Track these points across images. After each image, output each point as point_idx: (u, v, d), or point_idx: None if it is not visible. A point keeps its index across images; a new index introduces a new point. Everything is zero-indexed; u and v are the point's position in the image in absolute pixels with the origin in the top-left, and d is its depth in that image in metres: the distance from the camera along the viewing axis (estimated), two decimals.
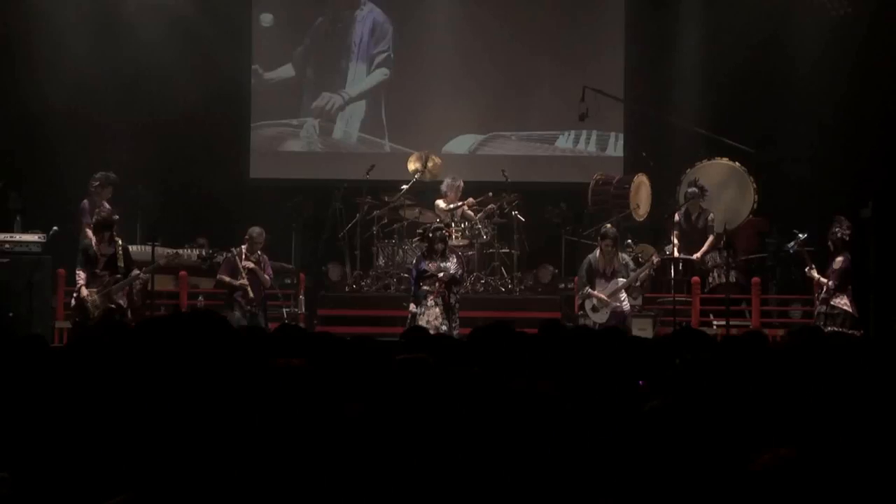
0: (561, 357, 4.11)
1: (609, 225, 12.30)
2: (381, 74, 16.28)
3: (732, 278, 12.94)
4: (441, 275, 11.66)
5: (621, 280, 11.68)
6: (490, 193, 14.28)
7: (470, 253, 13.76)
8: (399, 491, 1.75)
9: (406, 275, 13.42)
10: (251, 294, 11.85)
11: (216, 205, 15.07)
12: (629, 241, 12.94)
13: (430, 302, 11.72)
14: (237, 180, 15.84)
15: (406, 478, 1.78)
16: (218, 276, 12.16)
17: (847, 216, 12.14)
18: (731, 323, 11.87)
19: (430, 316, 11.64)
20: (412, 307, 11.71)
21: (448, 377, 3.20)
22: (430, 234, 11.96)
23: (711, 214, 13.27)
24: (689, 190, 13.32)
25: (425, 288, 11.74)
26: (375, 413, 1.84)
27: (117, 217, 11.50)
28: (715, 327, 12.57)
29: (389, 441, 1.80)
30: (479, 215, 13.98)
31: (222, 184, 15.38)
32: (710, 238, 13.06)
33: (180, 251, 12.74)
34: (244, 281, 11.83)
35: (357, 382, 3.52)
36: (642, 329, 11.81)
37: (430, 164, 14.65)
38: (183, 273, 13.04)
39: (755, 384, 3.60)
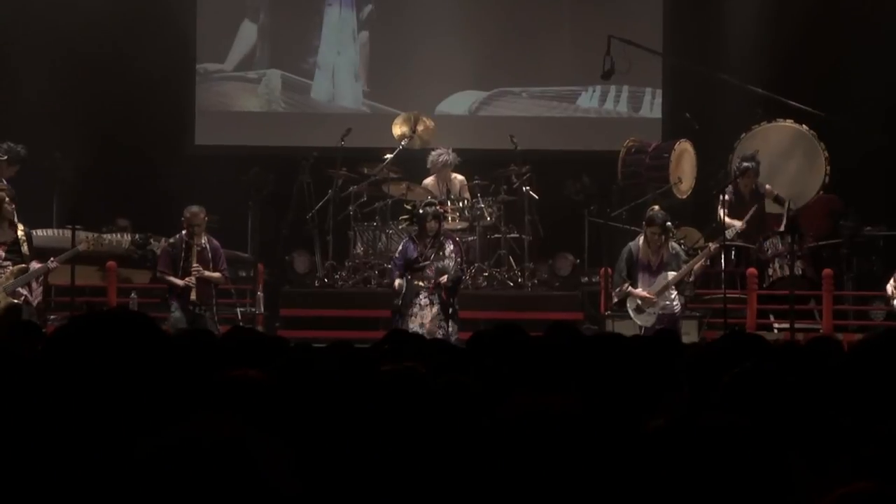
0: (580, 368, 4.10)
1: (657, 207, 12.31)
2: (361, 15, 16.25)
3: (798, 270, 12.93)
4: (443, 279, 11.62)
5: (671, 274, 11.64)
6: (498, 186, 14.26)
7: (470, 238, 13.74)
8: None
9: (389, 265, 13.41)
10: (193, 296, 11.72)
11: (153, 178, 15.02)
12: (669, 223, 12.89)
13: (424, 300, 11.67)
14: (179, 147, 15.80)
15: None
16: (158, 272, 12.05)
17: None
18: (795, 326, 11.86)
19: (425, 317, 11.57)
20: (398, 282, 11.68)
21: (438, 392, 3.19)
22: (421, 211, 11.95)
23: (767, 185, 13.31)
24: (745, 164, 13.29)
25: (417, 283, 11.71)
26: (225, 427, 1.84)
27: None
28: (776, 331, 12.56)
29: (244, 462, 1.79)
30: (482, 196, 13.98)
31: (161, 152, 15.33)
32: (755, 207, 13.13)
33: (104, 235, 12.69)
34: (191, 279, 11.65)
35: (329, 400, 3.51)
36: (685, 333, 11.81)
37: (420, 128, 14.63)
38: (111, 264, 13.01)
39: (826, 401, 3.59)
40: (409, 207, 12.50)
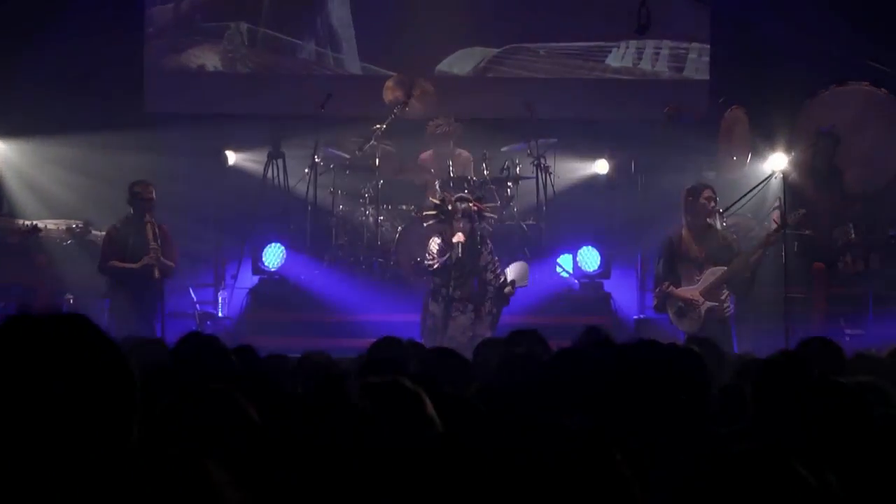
0: (603, 383, 4.10)
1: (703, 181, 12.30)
2: None
3: (876, 264, 12.91)
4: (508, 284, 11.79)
5: (721, 269, 11.60)
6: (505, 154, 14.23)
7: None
8: None
9: (381, 259, 13.41)
10: (157, 274, 11.76)
11: (95, 153, 14.98)
12: (721, 210, 12.89)
13: (455, 311, 11.68)
14: (126, 115, 15.76)
15: None
16: (104, 264, 12.02)
17: None
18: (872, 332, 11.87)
19: (456, 328, 11.62)
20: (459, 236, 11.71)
21: (433, 409, 3.19)
22: (450, 207, 11.84)
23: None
24: (822, 138, 13.28)
25: (452, 295, 11.71)
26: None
27: None
28: (848, 338, 12.55)
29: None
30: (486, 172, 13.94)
31: (103, 121, 15.30)
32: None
33: (39, 224, 12.70)
34: (150, 258, 11.66)
35: (303, 419, 3.51)
36: (739, 341, 11.78)
37: (417, 93, 14.60)
38: (42, 258, 13.03)
39: None
40: (436, 202, 12.32)
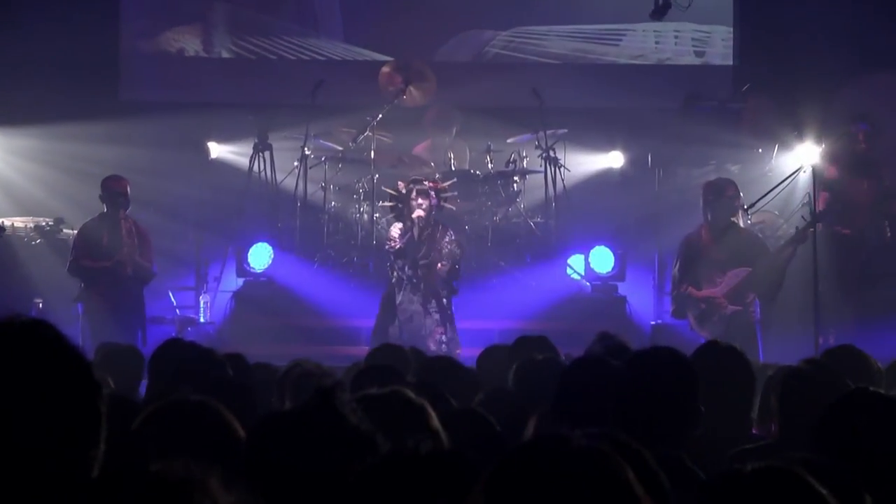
0: (617, 391, 4.08)
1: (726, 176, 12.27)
2: None
3: None
4: (440, 264, 11.71)
5: (746, 270, 11.58)
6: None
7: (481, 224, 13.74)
8: None
9: (376, 259, 13.41)
10: (129, 270, 11.83)
11: (65, 145, 14.99)
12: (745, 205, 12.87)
13: (417, 306, 11.74)
14: (98, 103, 15.75)
15: None
16: (74, 263, 12.08)
17: None
18: None
19: (414, 330, 11.67)
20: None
21: (437, 422, 3.17)
22: (404, 191, 11.96)
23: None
24: (861, 126, 13.26)
25: (410, 283, 11.75)
26: None
27: None
28: (883, 346, 12.54)
29: None
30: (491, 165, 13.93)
31: (75, 109, 15.29)
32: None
33: (5, 222, 12.71)
34: (122, 255, 11.77)
35: (293, 437, 3.49)
36: (766, 347, 11.77)
37: (415, 79, 14.60)
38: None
39: None
40: (391, 192, 12.41)
